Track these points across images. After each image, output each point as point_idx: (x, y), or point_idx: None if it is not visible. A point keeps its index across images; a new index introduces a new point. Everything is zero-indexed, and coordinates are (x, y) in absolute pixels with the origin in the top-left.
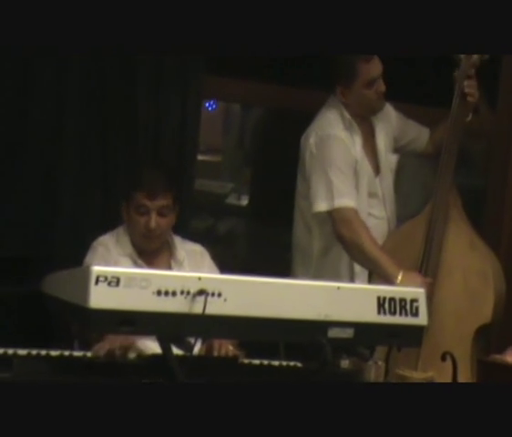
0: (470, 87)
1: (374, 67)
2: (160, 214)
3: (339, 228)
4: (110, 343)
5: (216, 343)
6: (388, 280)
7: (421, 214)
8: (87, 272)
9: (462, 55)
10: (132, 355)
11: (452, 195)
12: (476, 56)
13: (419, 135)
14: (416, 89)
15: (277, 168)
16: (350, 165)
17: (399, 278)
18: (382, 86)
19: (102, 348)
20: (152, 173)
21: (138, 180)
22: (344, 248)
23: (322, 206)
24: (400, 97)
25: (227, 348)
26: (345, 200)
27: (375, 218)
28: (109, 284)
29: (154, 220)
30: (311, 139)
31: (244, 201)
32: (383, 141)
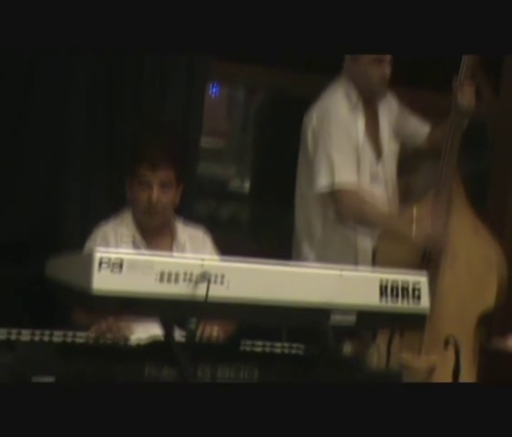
0: (465, 99)
1: None
2: (162, 187)
3: (342, 205)
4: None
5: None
6: (405, 238)
7: (424, 199)
8: (90, 257)
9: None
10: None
11: (455, 181)
12: (473, 65)
13: (418, 130)
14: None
15: (280, 152)
16: (351, 144)
17: (413, 233)
18: (387, 70)
19: (99, 328)
20: (154, 145)
21: (140, 153)
22: (353, 222)
23: (323, 184)
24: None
25: (212, 328)
26: (346, 177)
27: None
28: (112, 268)
29: (156, 193)
30: (313, 118)
31: (247, 185)
32: (386, 127)
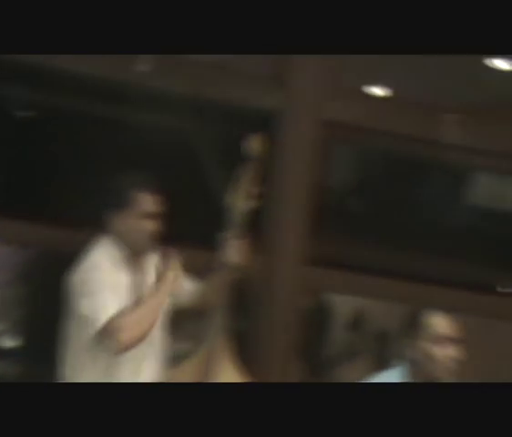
0: (234, 255)
1: (147, 202)
2: None
3: (114, 338)
4: None
5: None
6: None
7: (193, 357)
8: None
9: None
10: None
11: (224, 338)
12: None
13: (187, 288)
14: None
15: (49, 310)
16: (116, 293)
17: None
18: (149, 226)
19: None
20: None
21: None
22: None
23: (92, 327)
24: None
25: None
26: (111, 311)
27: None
28: None
29: None
30: (74, 278)
31: (15, 343)
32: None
